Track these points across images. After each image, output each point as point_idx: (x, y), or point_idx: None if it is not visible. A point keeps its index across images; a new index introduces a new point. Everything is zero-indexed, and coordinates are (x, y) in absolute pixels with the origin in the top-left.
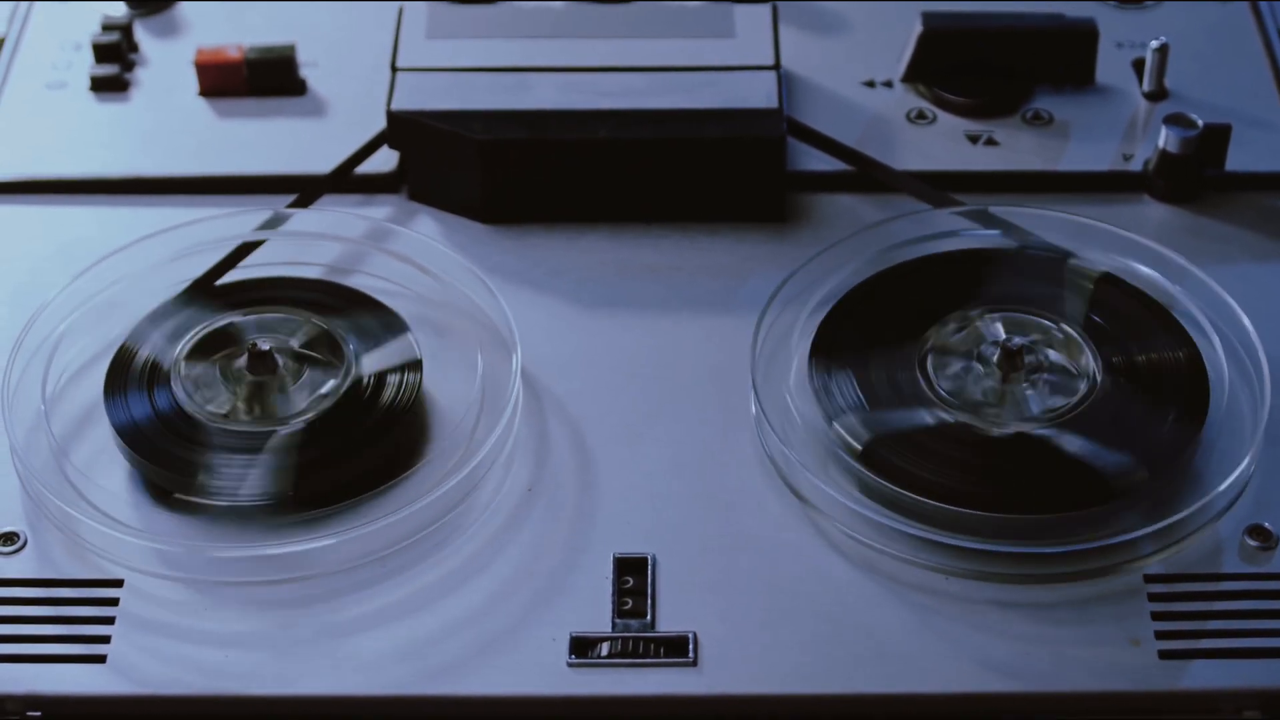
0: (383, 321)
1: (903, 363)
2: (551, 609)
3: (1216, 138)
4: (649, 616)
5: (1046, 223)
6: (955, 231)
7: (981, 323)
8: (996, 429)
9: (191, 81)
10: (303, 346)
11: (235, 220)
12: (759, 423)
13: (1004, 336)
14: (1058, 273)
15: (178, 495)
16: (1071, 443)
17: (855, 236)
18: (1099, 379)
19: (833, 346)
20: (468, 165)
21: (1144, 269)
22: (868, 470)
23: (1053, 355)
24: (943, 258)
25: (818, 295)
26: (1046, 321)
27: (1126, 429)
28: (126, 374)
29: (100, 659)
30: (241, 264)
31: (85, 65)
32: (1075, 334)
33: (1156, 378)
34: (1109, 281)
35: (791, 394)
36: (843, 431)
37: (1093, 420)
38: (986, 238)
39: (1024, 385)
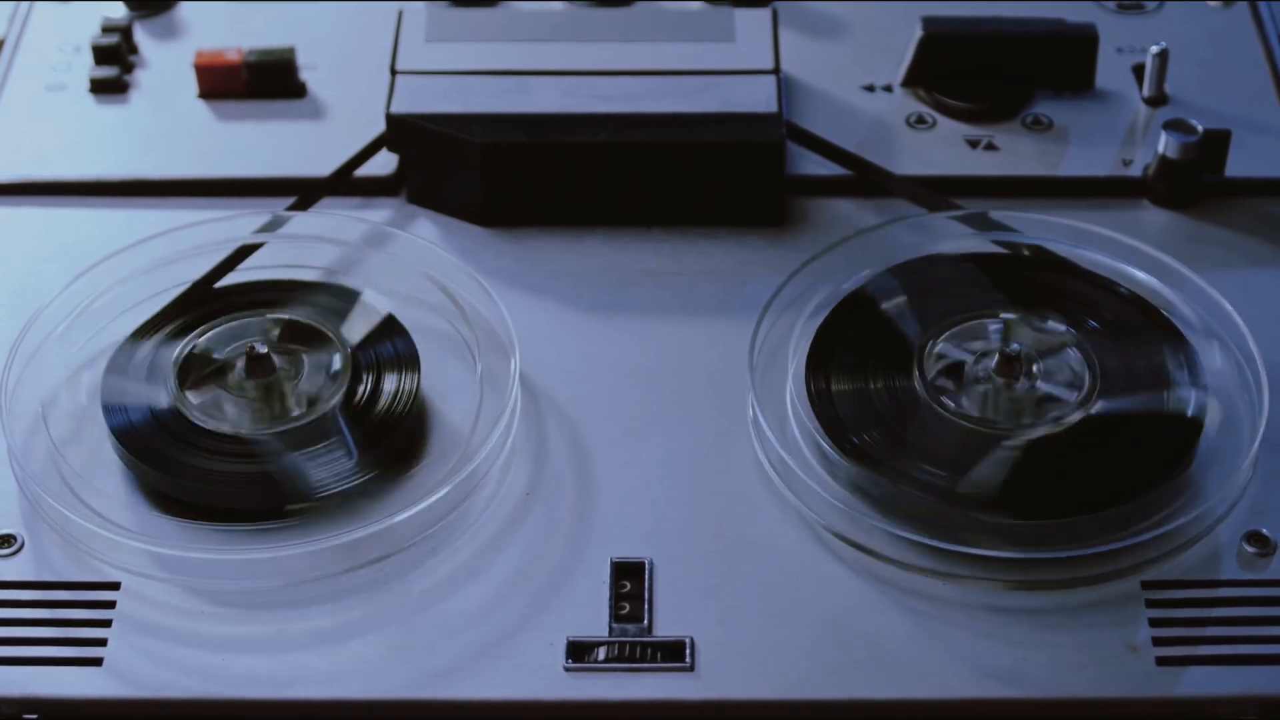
0: (333, 295)
1: (902, 370)
2: (548, 613)
3: (1216, 143)
4: (646, 621)
5: (1045, 228)
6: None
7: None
8: (998, 433)
9: (191, 84)
10: (280, 342)
11: (234, 223)
12: (756, 427)
13: (996, 343)
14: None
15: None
16: (1117, 404)
17: (854, 240)
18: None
19: (831, 352)
20: (467, 168)
21: (1142, 274)
22: (866, 475)
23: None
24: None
25: (816, 299)
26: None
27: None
28: (124, 376)
29: (97, 662)
30: (242, 266)
31: (85, 67)
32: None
33: (1154, 375)
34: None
35: (789, 398)
36: (841, 437)
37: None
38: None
39: (1025, 389)
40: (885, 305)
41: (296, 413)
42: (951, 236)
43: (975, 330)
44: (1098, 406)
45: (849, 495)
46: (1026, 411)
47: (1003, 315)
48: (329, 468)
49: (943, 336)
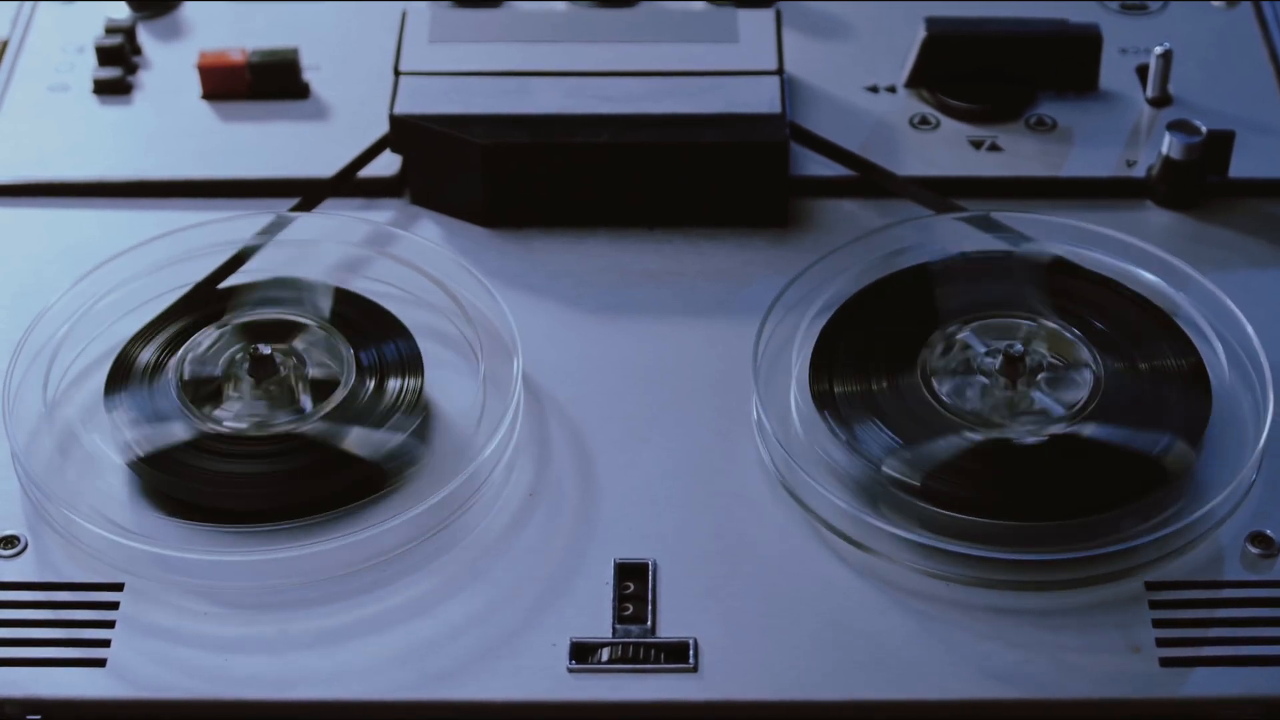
0: (404, 355)
1: (905, 373)
2: (552, 614)
3: (1220, 144)
4: (649, 622)
5: (1049, 229)
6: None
7: (974, 331)
8: (1003, 435)
9: (194, 84)
10: (317, 359)
11: (237, 224)
12: (760, 428)
13: (999, 344)
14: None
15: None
16: (1105, 432)
17: (857, 242)
18: (1103, 374)
19: (835, 354)
20: (470, 169)
21: (1147, 275)
22: (869, 476)
23: (1052, 357)
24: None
25: (820, 300)
26: (1040, 324)
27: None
28: (127, 378)
29: (100, 663)
30: (245, 268)
31: (88, 68)
32: (1066, 331)
33: (1157, 391)
34: (1098, 282)
35: (793, 400)
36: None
37: (1115, 408)
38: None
39: (1029, 390)
40: (911, 292)
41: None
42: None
43: (992, 329)
44: (1088, 430)
45: (852, 496)
46: (1019, 412)
47: (1023, 318)
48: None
49: (958, 330)
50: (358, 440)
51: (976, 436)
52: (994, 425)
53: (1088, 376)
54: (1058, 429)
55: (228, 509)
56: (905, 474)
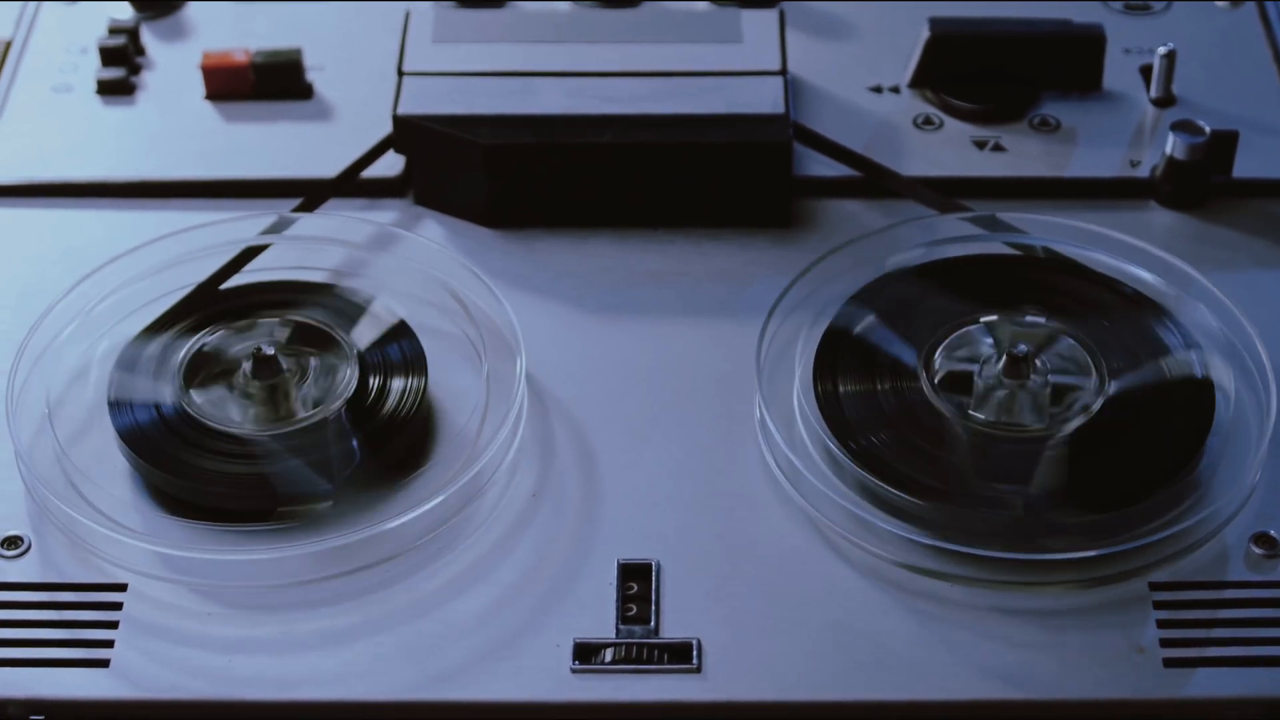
0: (344, 298)
1: (910, 371)
2: (555, 615)
3: (1224, 144)
4: (653, 623)
5: (1053, 229)
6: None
7: (978, 330)
8: (1009, 434)
9: (198, 85)
10: (288, 343)
11: (240, 224)
12: (763, 428)
13: (1004, 344)
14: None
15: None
16: (1126, 379)
17: (861, 242)
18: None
19: (838, 354)
20: (473, 170)
21: (1150, 276)
22: (873, 477)
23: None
24: (950, 262)
25: (824, 300)
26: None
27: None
28: (131, 377)
29: (103, 663)
30: (248, 268)
31: (92, 68)
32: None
33: (1162, 386)
34: (1101, 283)
35: (796, 400)
36: (849, 439)
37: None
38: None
39: (1032, 390)
40: (864, 334)
41: (300, 415)
42: (899, 250)
43: (963, 339)
44: (1113, 386)
45: (856, 497)
46: (1023, 413)
47: (982, 319)
48: (323, 473)
49: (962, 330)
50: (285, 471)
51: (953, 423)
52: (999, 425)
53: (1091, 376)
54: (1067, 426)
55: (230, 509)
56: (861, 442)
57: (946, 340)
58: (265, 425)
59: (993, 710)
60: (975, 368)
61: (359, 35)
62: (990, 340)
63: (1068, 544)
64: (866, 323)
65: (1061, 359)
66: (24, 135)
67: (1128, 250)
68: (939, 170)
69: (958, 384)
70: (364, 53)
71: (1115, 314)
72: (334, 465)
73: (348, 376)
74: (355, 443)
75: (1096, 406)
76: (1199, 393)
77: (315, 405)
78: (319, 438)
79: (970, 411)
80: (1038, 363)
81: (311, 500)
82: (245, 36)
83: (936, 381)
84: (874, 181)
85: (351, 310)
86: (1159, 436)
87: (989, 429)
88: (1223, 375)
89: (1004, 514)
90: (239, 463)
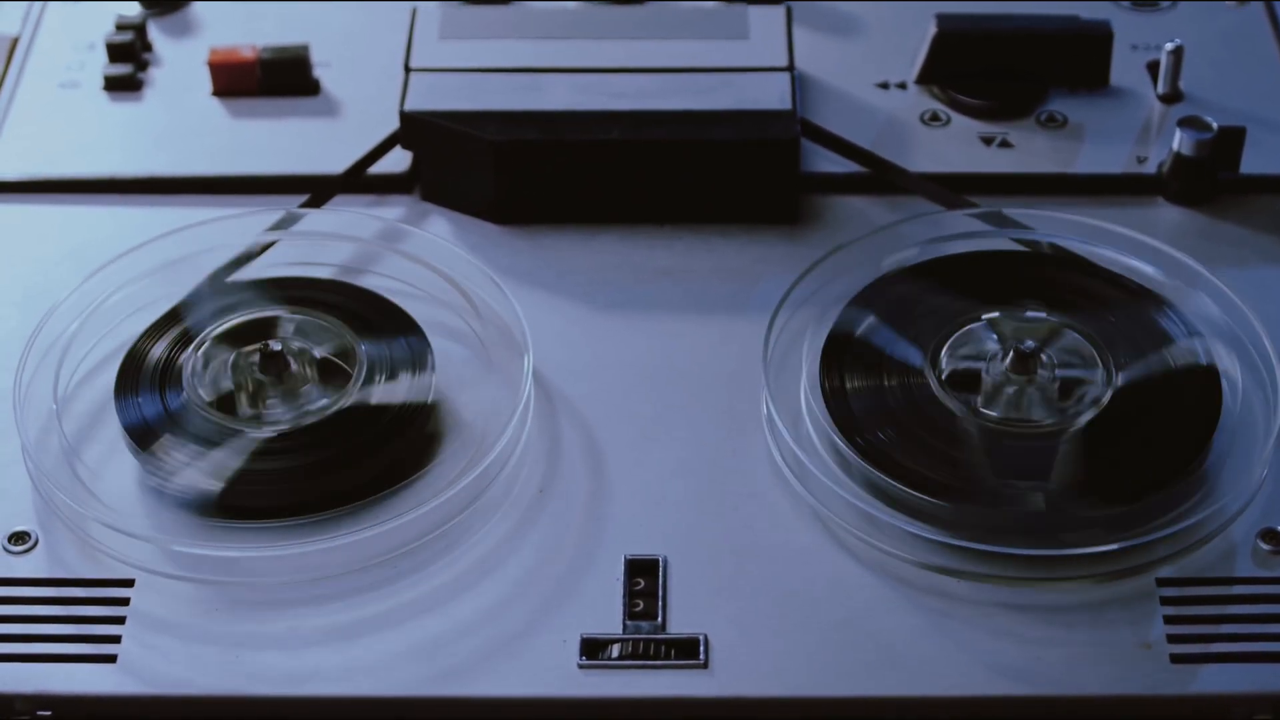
0: (414, 352)
1: (915, 365)
2: (562, 611)
3: (1231, 140)
4: (660, 618)
5: (1060, 225)
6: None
7: (983, 327)
8: (1014, 429)
9: (205, 81)
10: (328, 356)
11: (247, 220)
12: (770, 425)
13: (1010, 341)
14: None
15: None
16: (1133, 370)
17: (868, 238)
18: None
19: (845, 350)
20: (481, 166)
21: (1157, 272)
22: (880, 474)
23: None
24: (955, 259)
25: (831, 296)
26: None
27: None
28: (138, 374)
29: (111, 659)
30: (254, 265)
31: (99, 65)
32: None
33: (1169, 381)
34: (1109, 279)
35: (803, 396)
36: (856, 435)
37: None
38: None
39: (1039, 386)
40: (870, 331)
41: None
42: (905, 246)
43: (969, 336)
44: (1121, 378)
45: (863, 493)
46: (1030, 409)
47: (984, 316)
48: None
49: (969, 326)
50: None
51: (960, 420)
52: (1006, 421)
53: (1098, 373)
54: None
55: (238, 505)
56: (862, 439)
57: (953, 336)
58: (220, 409)
59: (1000, 706)
60: (982, 364)
61: (366, 32)
62: (996, 336)
63: (1075, 540)
64: (872, 320)
65: (1068, 354)
66: (31, 132)
67: (1135, 246)
68: (946, 166)
69: (965, 380)
70: (371, 49)
71: (1121, 308)
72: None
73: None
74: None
75: (1105, 400)
76: (1206, 388)
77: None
78: (229, 446)
79: (979, 408)
80: (1044, 357)
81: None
82: (252, 33)
83: (943, 378)
84: (881, 178)
85: (402, 365)
86: (1166, 432)
87: (997, 425)
88: (1230, 370)
89: (1014, 510)
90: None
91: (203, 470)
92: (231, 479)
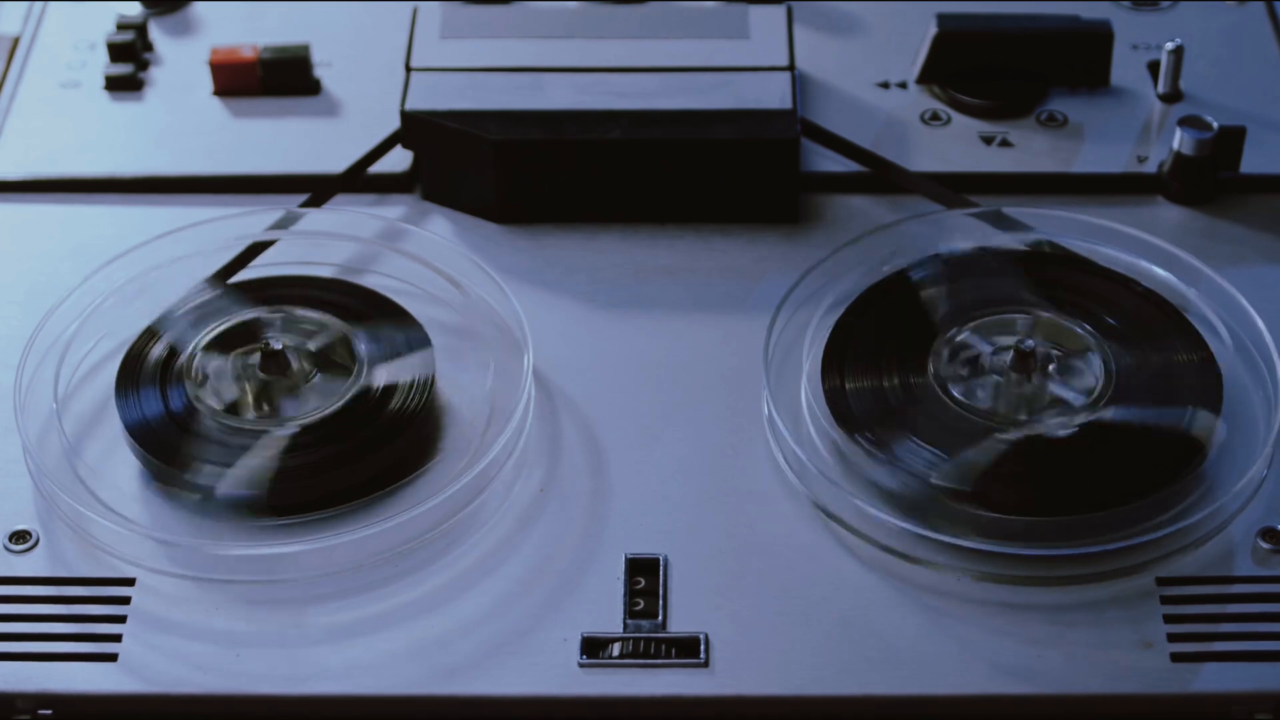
0: (407, 334)
1: (917, 366)
2: (563, 609)
3: (1231, 140)
4: (660, 617)
5: (1060, 224)
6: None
7: (984, 325)
8: (1016, 431)
9: (206, 81)
10: (320, 350)
11: (248, 219)
12: (771, 424)
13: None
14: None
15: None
16: (1125, 414)
17: (869, 237)
18: (1113, 366)
19: (846, 349)
20: (482, 165)
21: (1158, 271)
22: (881, 471)
23: (1061, 352)
24: (956, 258)
25: (831, 296)
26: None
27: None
28: (138, 373)
29: (111, 657)
30: (256, 263)
31: (100, 64)
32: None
33: (1170, 380)
34: (1110, 278)
35: (804, 395)
36: (852, 436)
37: (1129, 397)
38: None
39: (1040, 385)
40: (868, 336)
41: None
42: (905, 245)
43: (1003, 325)
44: (1109, 413)
45: (863, 491)
46: (1032, 408)
47: (985, 316)
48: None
49: (969, 325)
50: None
51: (961, 420)
52: (1010, 422)
53: (1099, 371)
54: (1080, 420)
55: (240, 504)
56: (949, 481)
57: (954, 335)
58: (233, 414)
59: (1000, 705)
60: (983, 363)
61: (367, 31)
62: (996, 336)
63: (1076, 539)
64: (873, 319)
65: (1069, 353)
66: (32, 131)
67: (1135, 245)
68: (946, 166)
69: (966, 379)
70: (372, 49)
71: (1123, 307)
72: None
73: (334, 401)
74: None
75: (1106, 399)
76: (1207, 386)
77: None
78: (249, 445)
79: (979, 406)
80: (1045, 356)
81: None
82: (253, 32)
83: (944, 377)
84: (882, 177)
85: (398, 348)
86: (1165, 431)
87: (996, 423)
88: (1230, 369)
89: (1012, 508)
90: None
91: (239, 477)
92: (271, 479)
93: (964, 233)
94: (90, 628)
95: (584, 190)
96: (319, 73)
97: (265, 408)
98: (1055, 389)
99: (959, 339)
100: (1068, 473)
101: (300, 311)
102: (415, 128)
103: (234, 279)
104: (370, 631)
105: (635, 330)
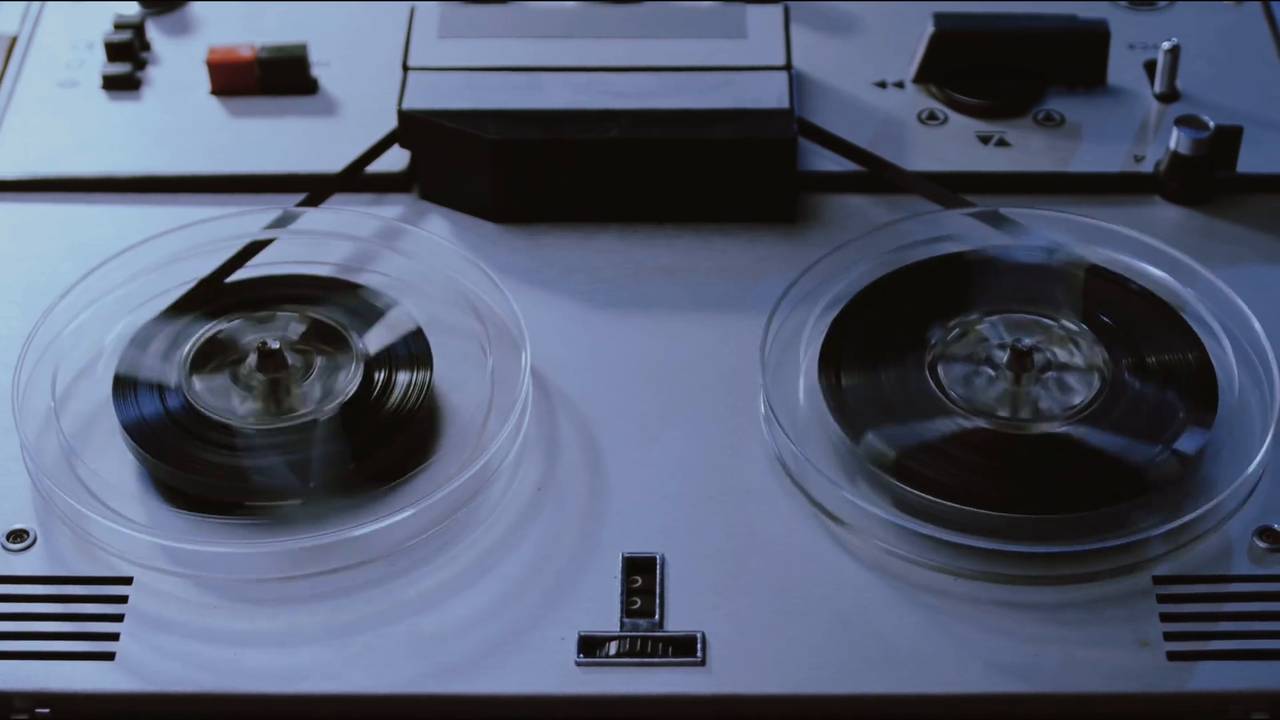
0: (368, 299)
1: (913, 366)
2: (560, 608)
3: (1228, 139)
4: (657, 616)
5: (1057, 224)
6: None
7: (983, 326)
8: (1010, 430)
9: (203, 80)
10: (301, 339)
11: (246, 219)
12: (768, 423)
13: (1008, 338)
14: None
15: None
16: (1097, 437)
17: (866, 237)
18: (1110, 372)
19: (843, 348)
20: (479, 165)
21: (1154, 270)
22: (879, 471)
23: (1059, 353)
24: (953, 258)
25: (828, 295)
26: (1046, 320)
27: (1141, 424)
28: (135, 380)
29: (109, 656)
30: (250, 263)
31: (97, 64)
32: (1075, 328)
33: (1166, 380)
34: (1105, 277)
35: (801, 394)
36: (858, 437)
37: (1114, 414)
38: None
39: (1036, 385)
40: (865, 335)
41: (299, 411)
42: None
43: (965, 335)
44: (1116, 376)
45: (861, 490)
46: (1010, 406)
47: (982, 314)
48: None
49: (942, 345)
50: (263, 468)
51: (959, 419)
52: (996, 418)
53: (1094, 377)
54: (1044, 427)
55: (236, 502)
56: (865, 437)
57: (951, 334)
58: (263, 419)
59: (997, 704)
60: (980, 362)
61: (364, 31)
62: (993, 334)
63: (1072, 539)
64: (868, 318)
65: (1066, 352)
66: (30, 131)
67: (1132, 245)
68: (944, 165)
69: (962, 377)
70: (369, 48)
71: (1119, 307)
72: (314, 466)
73: (351, 376)
74: (342, 447)
75: (1102, 397)
76: (1203, 386)
77: (316, 402)
78: (307, 437)
79: (975, 404)
80: (1041, 355)
81: (282, 497)
82: (251, 32)
83: (941, 375)
84: (879, 177)
85: (370, 313)
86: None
87: (992, 421)
88: (1227, 368)
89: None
90: (244, 456)
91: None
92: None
93: (961, 232)
94: (88, 626)
95: (582, 190)
96: (316, 72)
97: (276, 408)
98: (1051, 388)
99: (956, 338)
100: (1064, 471)
101: (259, 313)
102: (413, 127)
103: (170, 302)
104: (367, 630)
105: (633, 329)
